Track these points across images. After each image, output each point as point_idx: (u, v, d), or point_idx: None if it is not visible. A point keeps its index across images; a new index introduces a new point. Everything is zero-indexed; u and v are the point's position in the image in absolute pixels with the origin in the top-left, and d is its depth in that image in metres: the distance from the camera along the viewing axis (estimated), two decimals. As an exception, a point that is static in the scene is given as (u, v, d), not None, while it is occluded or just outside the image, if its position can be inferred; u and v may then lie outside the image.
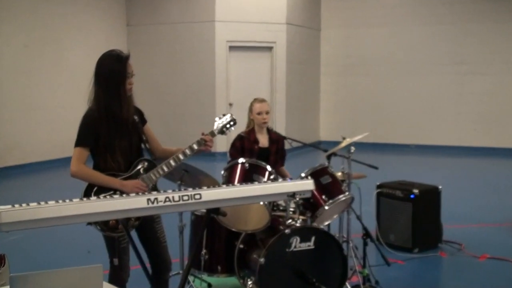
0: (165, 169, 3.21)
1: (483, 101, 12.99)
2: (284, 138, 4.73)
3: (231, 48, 12.25)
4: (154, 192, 1.87)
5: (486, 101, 12.97)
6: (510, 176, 10.23)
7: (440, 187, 5.86)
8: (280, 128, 11.91)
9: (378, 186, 5.91)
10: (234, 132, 3.85)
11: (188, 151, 3.26)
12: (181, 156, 3.23)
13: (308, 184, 2.13)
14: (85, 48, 11.72)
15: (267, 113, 4.58)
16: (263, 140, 4.63)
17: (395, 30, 13.59)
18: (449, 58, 13.19)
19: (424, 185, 5.95)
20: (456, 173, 10.59)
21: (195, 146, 3.29)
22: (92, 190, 3.07)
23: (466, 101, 13.15)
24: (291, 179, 2.94)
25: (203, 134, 3.35)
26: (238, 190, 2.01)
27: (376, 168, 4.76)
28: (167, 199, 1.86)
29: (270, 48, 12.65)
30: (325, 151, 4.67)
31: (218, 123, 3.51)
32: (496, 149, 12.76)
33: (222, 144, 11.69)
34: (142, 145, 3.30)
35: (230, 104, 12.25)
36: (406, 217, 5.65)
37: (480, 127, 13.03)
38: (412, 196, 5.62)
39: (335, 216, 4.40)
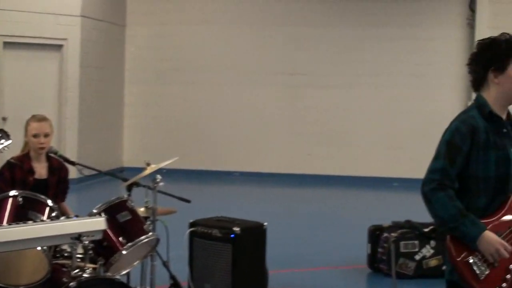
0: None
1: (321, 120, 13.79)
2: (73, 164, 4.72)
3: (7, 45, 11.81)
4: None
5: (324, 120, 13.79)
6: (349, 209, 11.05)
7: (265, 224, 6.16)
8: (70, 151, 11.63)
9: (192, 224, 6.02)
10: (9, 152, 3.78)
11: None
12: None
13: (99, 223, 2.20)
14: None
15: (46, 135, 4.54)
16: (41, 170, 4.58)
17: (221, 30, 14.04)
18: (283, 66, 13.88)
19: (248, 221, 6.21)
20: (286, 206, 11.16)
21: None
22: None
23: (300, 119, 13.91)
24: (77, 216, 2.98)
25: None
26: (7, 232, 2.01)
27: (188, 201, 4.91)
28: None
29: (59, 47, 12.40)
30: (124, 180, 4.72)
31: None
32: (335, 177, 13.57)
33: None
34: None
35: (4, 119, 11.76)
36: (225, 261, 5.83)
37: (317, 151, 13.80)
38: (232, 235, 5.81)
39: (135, 263, 4.46)
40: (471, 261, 3.19)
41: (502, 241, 3.20)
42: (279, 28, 13.88)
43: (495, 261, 3.19)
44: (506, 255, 3.20)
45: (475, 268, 3.19)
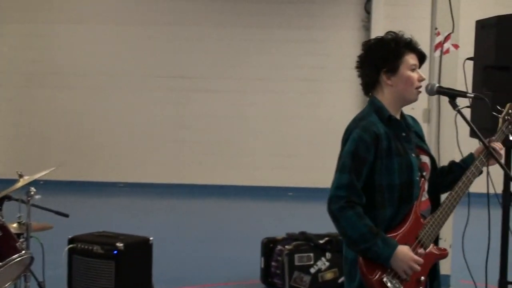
0: None
1: (212, 127, 13.81)
2: None
3: None
4: None
5: (215, 127, 13.81)
6: (242, 221, 11.12)
7: (151, 238, 6.16)
8: None
9: (70, 241, 5.94)
10: None
11: None
12: None
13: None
14: None
15: None
16: None
17: (100, 30, 13.87)
18: (168, 69, 13.84)
19: (132, 236, 6.21)
20: (175, 218, 11.16)
21: None
22: None
23: (190, 126, 13.92)
24: None
25: None
26: None
27: (66, 215, 4.82)
28: None
29: None
30: (-7, 194, 4.59)
31: None
32: (226, 187, 13.63)
33: None
34: None
35: None
36: (107, 280, 5.78)
37: (208, 160, 13.84)
38: (115, 252, 5.79)
39: (7, 285, 4.34)
40: (385, 279, 3.26)
41: (414, 256, 3.27)
42: (162, 28, 13.84)
43: (408, 276, 3.27)
44: (418, 268, 3.28)
45: (390, 286, 3.25)
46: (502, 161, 3.63)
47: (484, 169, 3.54)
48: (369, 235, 3.24)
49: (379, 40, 3.53)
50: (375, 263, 3.27)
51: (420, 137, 3.63)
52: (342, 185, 3.31)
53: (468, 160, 3.56)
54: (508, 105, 3.68)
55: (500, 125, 3.64)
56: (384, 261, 3.24)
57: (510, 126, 3.64)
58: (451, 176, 3.57)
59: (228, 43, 13.86)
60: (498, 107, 3.71)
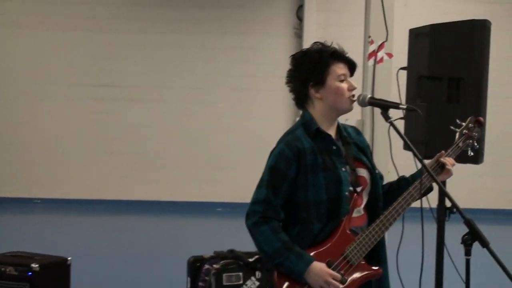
0: None
1: (137, 138, 13.74)
2: None
3: None
4: None
5: (140, 138, 13.74)
6: (168, 238, 11.04)
7: (69, 258, 6.08)
8: None
9: (-20, 262, 5.85)
10: None
11: None
12: None
13: None
14: None
15: None
16: None
17: (22, 34, 13.69)
18: (89, 77, 13.73)
19: (49, 256, 6.12)
20: (97, 236, 11.02)
21: None
22: None
23: (113, 137, 13.78)
24: None
25: None
26: None
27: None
28: None
29: None
30: None
31: None
32: (152, 203, 13.54)
33: None
34: None
35: None
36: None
37: (133, 174, 13.73)
38: (29, 273, 5.70)
39: None
40: None
41: (331, 271, 3.32)
42: (90, 34, 13.72)
43: None
44: (337, 285, 3.31)
45: None
46: (452, 177, 3.68)
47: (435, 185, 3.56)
48: (282, 250, 3.32)
49: (304, 53, 3.58)
50: (292, 279, 3.33)
51: (362, 149, 3.67)
52: (258, 200, 3.41)
53: (417, 175, 3.61)
54: (468, 119, 3.75)
55: (456, 139, 3.70)
56: (298, 276, 3.30)
57: (468, 141, 3.70)
58: (397, 192, 3.60)
59: (157, 51, 13.84)
60: (457, 120, 3.77)
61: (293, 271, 3.30)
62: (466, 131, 3.70)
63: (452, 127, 3.74)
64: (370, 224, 3.52)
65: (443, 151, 3.63)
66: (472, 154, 3.77)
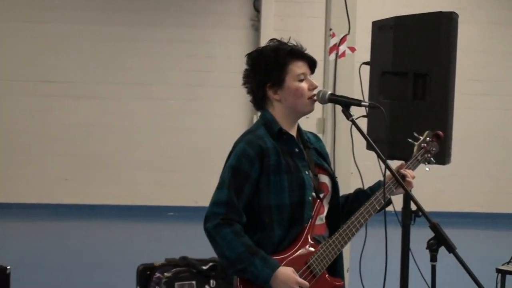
0: None
1: (79, 138, 13.62)
2: None
3: None
4: None
5: (83, 138, 13.64)
6: (115, 245, 10.98)
7: (8, 267, 6.01)
8: None
9: None
10: None
11: None
12: None
13: None
14: None
15: None
16: None
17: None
18: (29, 72, 13.57)
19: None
20: (38, 243, 10.91)
21: None
22: None
23: (53, 137, 13.62)
24: None
25: None
26: None
27: None
28: None
29: None
30: None
31: None
32: (98, 207, 13.45)
33: None
34: None
35: None
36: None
37: (76, 176, 13.63)
38: (-35, 284, 5.66)
39: None
40: None
41: (298, 279, 3.31)
42: (21, 25, 13.51)
43: None
44: None
45: None
46: (417, 178, 3.71)
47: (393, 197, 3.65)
48: (246, 254, 3.27)
49: (260, 52, 3.54)
50: (256, 286, 3.30)
51: (322, 155, 3.68)
52: (220, 202, 3.36)
53: (375, 188, 3.64)
54: (426, 132, 3.80)
55: (415, 152, 3.75)
56: (263, 282, 3.27)
57: (426, 155, 3.75)
58: (356, 204, 3.62)
59: (99, 43, 13.70)
60: (415, 134, 3.82)
61: (258, 277, 3.27)
62: (424, 145, 3.76)
63: (410, 140, 3.81)
64: (331, 234, 3.54)
65: (403, 162, 3.70)
66: (428, 169, 3.85)
